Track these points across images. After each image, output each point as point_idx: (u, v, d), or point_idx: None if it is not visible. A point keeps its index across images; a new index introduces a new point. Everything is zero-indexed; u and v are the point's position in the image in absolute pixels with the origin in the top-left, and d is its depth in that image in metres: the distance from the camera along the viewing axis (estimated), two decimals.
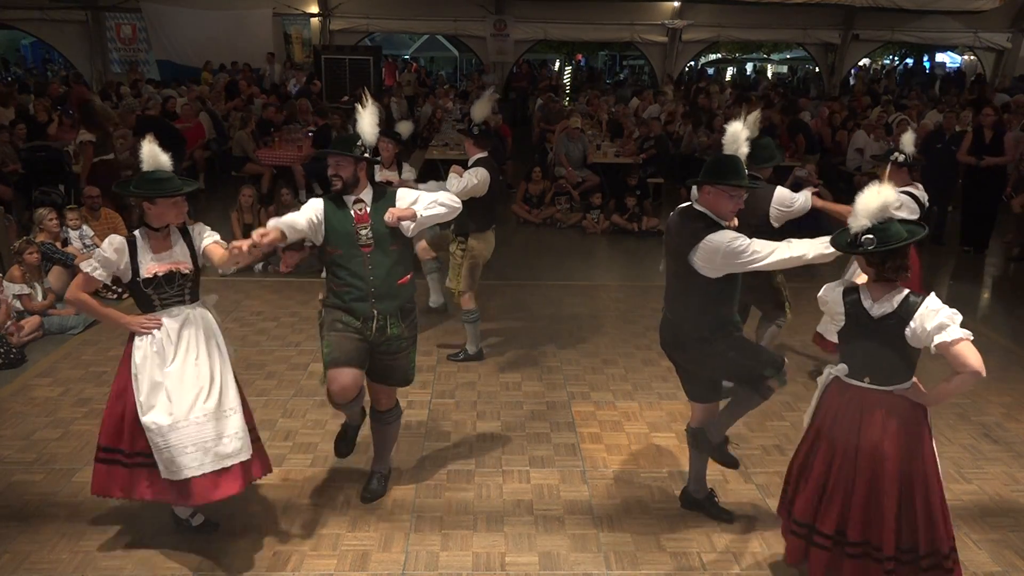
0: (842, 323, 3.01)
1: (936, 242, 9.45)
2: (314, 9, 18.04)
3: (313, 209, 3.66)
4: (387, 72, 20.37)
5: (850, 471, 3.00)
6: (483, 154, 5.46)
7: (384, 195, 3.72)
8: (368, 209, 3.63)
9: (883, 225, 2.81)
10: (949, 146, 9.11)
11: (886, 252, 2.81)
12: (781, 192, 4.69)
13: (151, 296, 3.44)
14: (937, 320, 2.78)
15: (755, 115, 4.80)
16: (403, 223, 3.63)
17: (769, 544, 3.72)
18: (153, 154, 3.43)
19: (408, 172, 6.46)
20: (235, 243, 3.46)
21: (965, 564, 3.62)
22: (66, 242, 7.05)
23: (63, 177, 9.11)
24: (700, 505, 3.93)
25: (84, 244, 7.09)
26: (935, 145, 9.35)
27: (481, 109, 5.54)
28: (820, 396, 3.17)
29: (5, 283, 6.03)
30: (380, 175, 5.91)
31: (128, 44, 18.08)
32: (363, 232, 3.60)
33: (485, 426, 4.84)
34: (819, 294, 3.12)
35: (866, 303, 2.92)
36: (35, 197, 8.22)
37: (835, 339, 3.16)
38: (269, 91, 15.13)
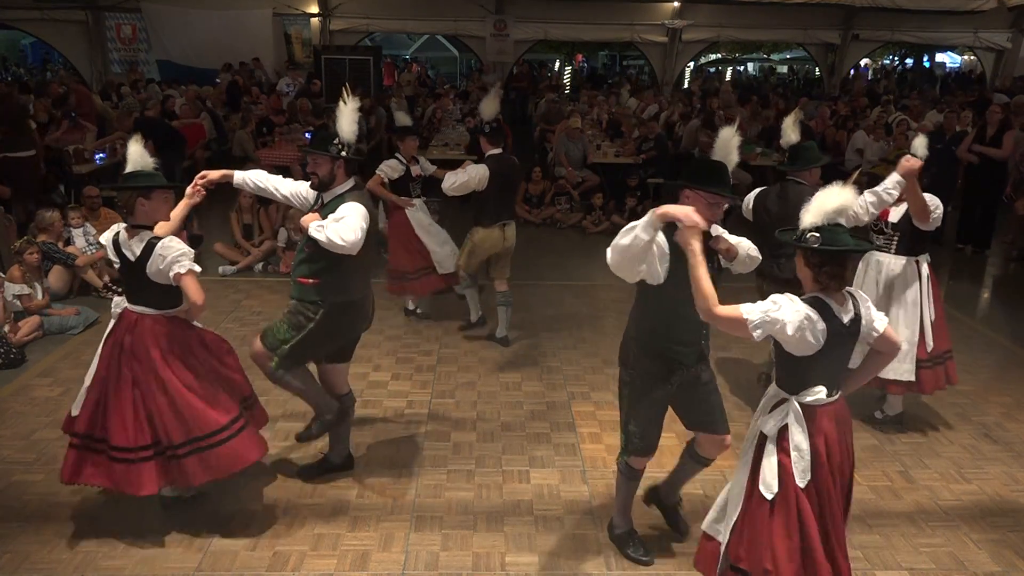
0: (820, 344, 2.66)
1: (935, 242, 9.44)
2: (314, 9, 18.04)
3: (307, 194, 3.89)
4: (386, 72, 20.38)
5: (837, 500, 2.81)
6: (497, 150, 5.59)
7: (341, 200, 3.68)
8: (322, 208, 3.72)
9: (832, 227, 2.68)
10: (949, 146, 9.12)
11: (826, 255, 2.65)
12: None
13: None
14: (872, 311, 2.81)
15: (794, 116, 4.83)
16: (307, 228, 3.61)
17: None
18: (139, 154, 3.45)
19: (426, 164, 6.46)
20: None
21: (965, 564, 3.63)
22: (68, 241, 7.05)
23: (63, 177, 9.10)
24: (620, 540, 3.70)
25: (87, 243, 7.08)
26: (935, 145, 9.32)
27: (490, 106, 5.65)
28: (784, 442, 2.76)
29: (6, 283, 6.03)
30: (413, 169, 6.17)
31: (128, 44, 18.07)
32: None
33: (485, 426, 4.84)
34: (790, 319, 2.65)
35: (839, 314, 2.70)
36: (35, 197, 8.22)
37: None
38: (268, 92, 15.13)
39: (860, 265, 4.94)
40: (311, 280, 3.70)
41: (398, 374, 5.55)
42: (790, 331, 2.62)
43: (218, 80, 14.85)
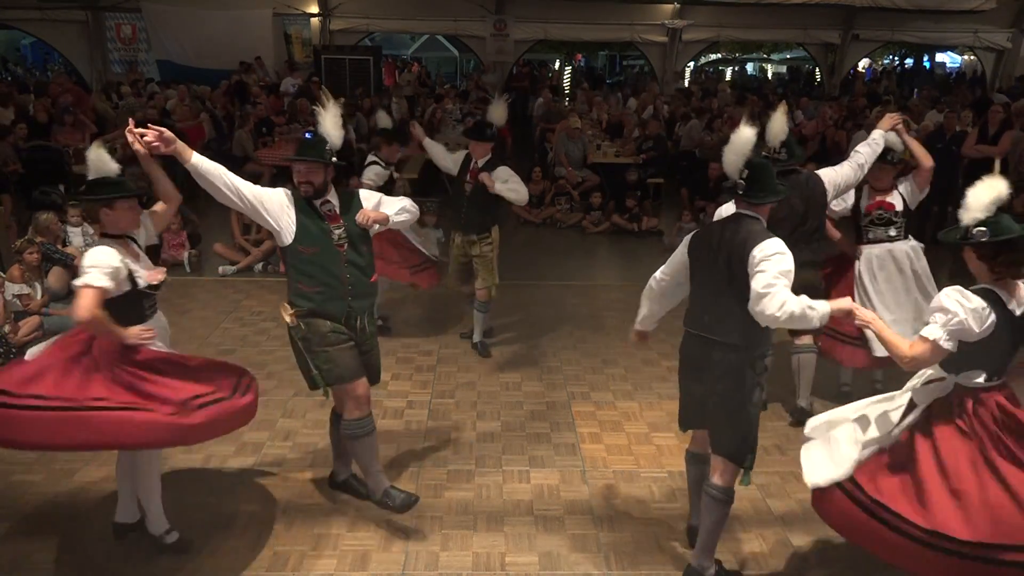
0: (987, 332, 2.78)
1: (936, 242, 9.43)
2: (314, 9, 18.02)
3: (279, 200, 3.56)
4: (386, 72, 20.37)
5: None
6: (490, 153, 5.59)
7: (351, 196, 3.70)
8: (337, 210, 3.62)
9: (995, 218, 2.81)
10: (949, 146, 9.11)
11: (998, 244, 2.78)
12: (830, 173, 4.66)
13: (144, 306, 3.36)
14: None
15: (782, 111, 4.60)
16: (375, 225, 3.64)
17: (769, 544, 3.72)
18: (101, 160, 3.29)
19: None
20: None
21: None
22: (65, 242, 7.05)
23: (63, 177, 9.10)
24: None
25: (85, 243, 7.08)
26: (935, 145, 9.35)
27: (500, 112, 5.75)
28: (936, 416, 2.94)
29: (6, 283, 6.02)
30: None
31: (128, 44, 18.05)
32: (337, 232, 3.58)
33: (485, 426, 4.84)
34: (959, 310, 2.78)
35: (1010, 305, 2.83)
36: (35, 197, 8.21)
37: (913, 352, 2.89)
38: (268, 92, 15.12)
39: (874, 262, 4.95)
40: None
41: (398, 374, 5.55)
42: (977, 328, 2.77)
43: (234, 78, 14.83)
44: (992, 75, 19.83)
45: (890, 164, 4.90)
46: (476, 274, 5.70)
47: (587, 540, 3.75)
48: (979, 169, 8.85)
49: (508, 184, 5.43)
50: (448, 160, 5.86)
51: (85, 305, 3.04)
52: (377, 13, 18.35)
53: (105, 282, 3.10)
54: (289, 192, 3.62)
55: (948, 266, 8.74)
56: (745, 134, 3.19)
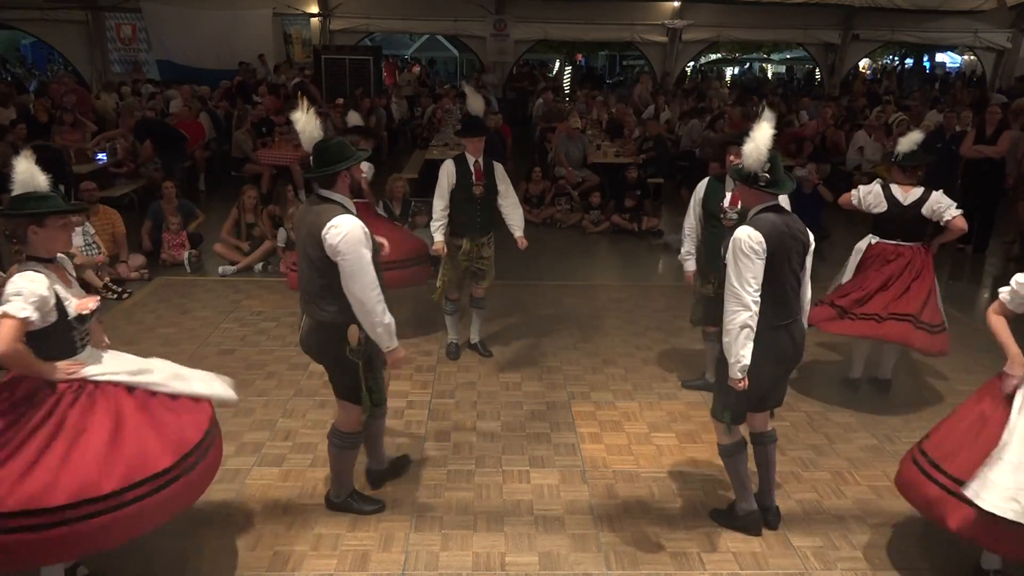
0: None
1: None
2: (314, 9, 18.04)
3: None
4: (388, 71, 20.38)
5: None
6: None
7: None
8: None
9: None
10: (949, 146, 9.13)
11: None
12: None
13: (75, 338, 3.02)
14: None
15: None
16: None
17: (769, 544, 3.72)
18: (30, 174, 2.93)
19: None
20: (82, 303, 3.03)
21: (965, 564, 3.62)
22: None
23: (63, 177, 9.09)
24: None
25: (85, 242, 7.08)
26: (935, 145, 9.36)
27: (478, 103, 5.52)
28: None
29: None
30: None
31: (128, 44, 18.08)
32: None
33: (485, 426, 4.84)
34: None
35: None
36: None
37: None
38: (268, 91, 15.12)
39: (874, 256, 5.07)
40: None
41: (398, 374, 5.55)
42: None
43: (236, 79, 14.84)
44: (992, 75, 19.85)
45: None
46: (484, 276, 5.63)
47: (587, 540, 3.75)
48: (977, 169, 8.87)
49: (514, 200, 5.52)
50: (445, 188, 5.41)
51: (3, 337, 2.71)
52: (377, 13, 18.37)
53: (29, 312, 2.77)
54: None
55: (948, 266, 8.76)
56: (768, 129, 3.31)
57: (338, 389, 3.67)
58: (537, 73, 21.34)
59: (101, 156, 9.84)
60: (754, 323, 3.30)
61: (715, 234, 4.73)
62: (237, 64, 15.88)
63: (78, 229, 7.16)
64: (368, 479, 4.13)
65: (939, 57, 26.69)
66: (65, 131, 10.33)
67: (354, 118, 6.49)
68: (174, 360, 3.44)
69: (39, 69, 22.46)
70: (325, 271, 3.36)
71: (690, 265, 5.08)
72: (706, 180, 5.02)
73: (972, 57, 22.30)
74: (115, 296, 6.86)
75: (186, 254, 7.86)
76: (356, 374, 3.56)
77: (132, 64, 17.41)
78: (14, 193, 2.93)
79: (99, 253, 7.13)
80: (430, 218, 5.46)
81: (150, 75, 16.74)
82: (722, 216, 4.76)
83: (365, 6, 18.22)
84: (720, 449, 3.74)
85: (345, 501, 3.89)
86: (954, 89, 17.22)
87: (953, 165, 9.10)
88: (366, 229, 3.37)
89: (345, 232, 3.27)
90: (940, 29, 19.01)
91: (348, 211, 3.39)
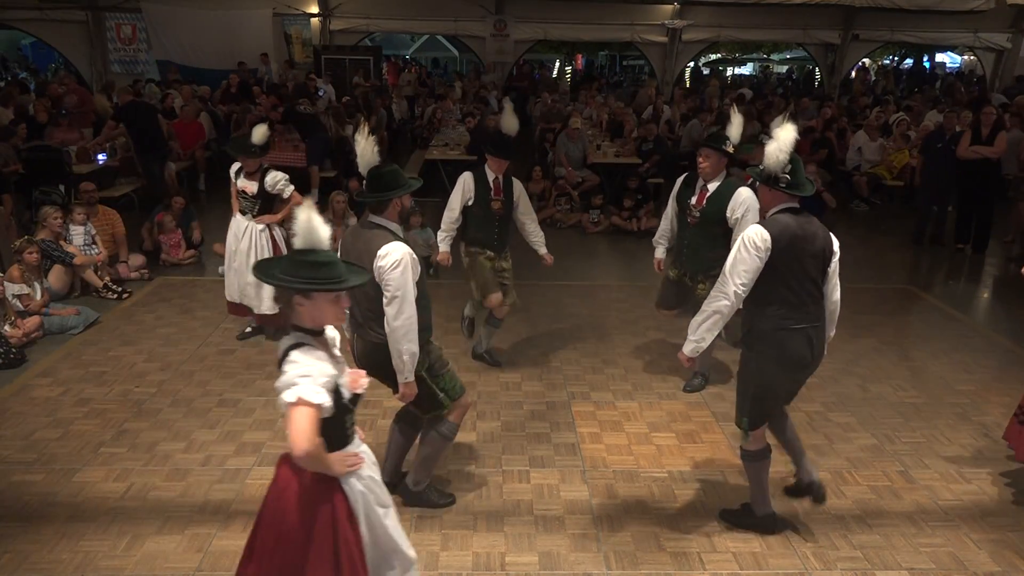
0: None
1: (936, 242, 9.45)
2: (314, 9, 18.03)
3: None
4: (389, 71, 20.38)
5: None
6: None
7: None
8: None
9: None
10: (949, 146, 9.12)
11: None
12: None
13: (347, 424, 2.53)
14: None
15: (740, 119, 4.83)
16: None
17: (769, 544, 3.72)
18: (310, 225, 2.35)
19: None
20: None
21: (965, 564, 3.63)
22: (67, 240, 7.04)
23: (63, 177, 9.10)
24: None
25: (85, 242, 7.08)
26: (935, 145, 9.36)
27: (513, 122, 5.31)
28: None
29: (6, 283, 6.02)
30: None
31: (128, 44, 18.06)
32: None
33: (485, 426, 4.84)
34: None
35: None
36: (35, 197, 8.22)
37: None
38: (268, 91, 15.12)
39: None
40: None
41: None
42: None
43: (235, 79, 14.83)
44: (992, 75, 19.85)
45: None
46: (507, 292, 5.51)
47: (587, 540, 3.75)
48: (974, 170, 8.88)
49: (533, 217, 5.70)
50: (458, 201, 5.32)
51: (305, 432, 2.20)
52: (377, 13, 18.36)
53: (325, 398, 2.29)
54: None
55: (948, 266, 8.76)
56: (790, 131, 3.33)
57: (417, 406, 3.70)
58: (539, 76, 21.25)
59: (101, 156, 9.84)
60: (730, 313, 3.41)
61: (684, 226, 5.09)
62: (237, 64, 15.88)
63: (80, 229, 7.16)
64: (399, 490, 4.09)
65: (939, 57, 26.68)
66: (61, 130, 10.29)
67: (259, 134, 6.34)
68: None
69: (39, 69, 22.47)
70: (375, 295, 3.41)
71: (660, 252, 5.37)
72: (684, 176, 5.27)
73: (972, 57, 22.29)
74: (115, 296, 6.86)
75: (184, 253, 7.91)
76: (425, 384, 3.62)
77: (133, 64, 17.41)
78: (296, 245, 2.39)
79: (98, 253, 7.13)
80: (420, 218, 5.37)
81: (150, 75, 16.74)
82: (687, 213, 5.03)
83: (365, 6, 18.22)
84: (742, 454, 3.72)
85: (424, 491, 3.93)
86: (953, 89, 17.20)
87: (953, 165, 9.11)
88: (415, 256, 3.43)
89: (396, 259, 3.33)
90: (940, 29, 19.00)
91: (398, 238, 3.45)
